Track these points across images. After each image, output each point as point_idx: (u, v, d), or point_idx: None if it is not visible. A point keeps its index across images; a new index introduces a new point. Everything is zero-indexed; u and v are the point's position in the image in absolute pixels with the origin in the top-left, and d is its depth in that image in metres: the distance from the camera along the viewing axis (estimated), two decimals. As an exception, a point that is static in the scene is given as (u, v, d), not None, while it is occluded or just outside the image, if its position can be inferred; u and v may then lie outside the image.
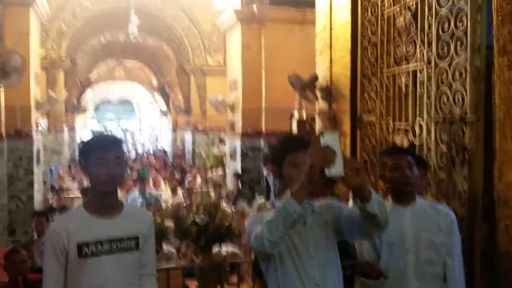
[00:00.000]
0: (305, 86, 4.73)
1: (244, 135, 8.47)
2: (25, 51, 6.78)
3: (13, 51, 3.65)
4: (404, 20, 3.37)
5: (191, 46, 12.68)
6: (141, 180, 7.97)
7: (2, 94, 6.35)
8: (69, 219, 1.98)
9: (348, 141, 4.27)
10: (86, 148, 1.97)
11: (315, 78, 4.64)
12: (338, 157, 1.57)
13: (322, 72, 4.79)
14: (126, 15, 10.89)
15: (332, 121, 4.52)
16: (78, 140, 17.16)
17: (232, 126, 9.03)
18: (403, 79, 3.39)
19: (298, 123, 5.74)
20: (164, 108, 20.67)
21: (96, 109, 32.23)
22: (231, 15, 8.44)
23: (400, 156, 2.25)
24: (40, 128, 7.48)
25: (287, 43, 8.01)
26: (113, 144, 1.95)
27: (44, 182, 8.80)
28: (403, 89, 3.38)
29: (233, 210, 4.11)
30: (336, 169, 1.56)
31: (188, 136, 14.51)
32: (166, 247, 4.37)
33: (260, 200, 4.11)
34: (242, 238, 4.41)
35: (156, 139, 26.17)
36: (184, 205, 4.96)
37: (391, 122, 3.55)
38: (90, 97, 26.33)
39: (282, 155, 1.87)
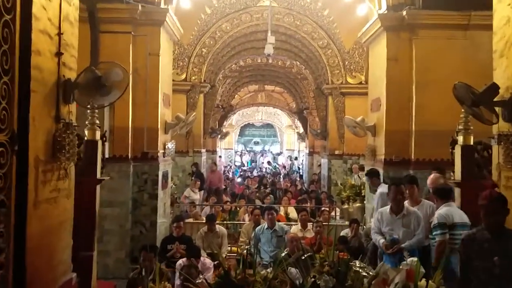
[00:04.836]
0: (478, 100, 3.37)
1: (388, 163, 7.10)
2: (155, 72, 6.72)
3: (114, 64, 3.17)
4: None
5: (329, 65, 11.74)
6: (269, 209, 6.73)
7: (130, 115, 6.29)
8: None
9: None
10: None
11: (494, 88, 3.26)
12: None
13: (504, 80, 3.42)
14: (264, 36, 10.57)
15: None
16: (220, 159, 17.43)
17: (373, 152, 7.73)
18: None
19: (464, 151, 4.29)
20: (301, 131, 20.13)
21: (241, 132, 33.69)
22: (375, 23, 7.26)
23: None
24: (169, 151, 7.27)
25: (445, 54, 6.58)
26: None
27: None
28: None
29: (370, 273, 2.96)
30: None
31: (324, 161, 13.53)
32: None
33: (410, 261, 2.90)
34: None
35: (293, 163, 25.84)
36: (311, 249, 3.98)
37: None
38: (235, 121, 27.51)
39: None
